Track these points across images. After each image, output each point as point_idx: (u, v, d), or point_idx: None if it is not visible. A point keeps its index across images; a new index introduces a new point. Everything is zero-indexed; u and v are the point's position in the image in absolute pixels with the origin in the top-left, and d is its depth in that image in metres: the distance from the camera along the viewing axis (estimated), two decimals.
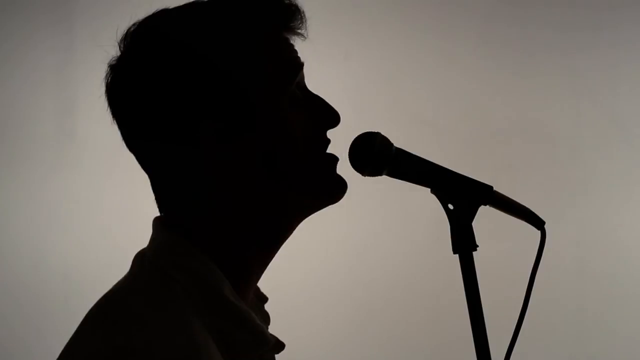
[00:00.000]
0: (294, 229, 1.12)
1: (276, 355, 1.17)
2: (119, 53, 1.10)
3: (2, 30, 2.96)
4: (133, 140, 1.11)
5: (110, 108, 1.11)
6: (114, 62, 1.10)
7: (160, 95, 1.06)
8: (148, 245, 1.12)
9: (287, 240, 1.13)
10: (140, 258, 1.10)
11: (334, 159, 1.13)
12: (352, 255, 2.95)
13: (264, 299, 1.21)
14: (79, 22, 2.97)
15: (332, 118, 1.12)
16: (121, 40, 1.10)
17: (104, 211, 2.95)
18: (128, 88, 1.08)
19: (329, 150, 1.13)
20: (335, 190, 1.12)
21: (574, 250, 2.88)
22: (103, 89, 1.13)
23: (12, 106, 2.98)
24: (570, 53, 2.93)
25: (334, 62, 2.79)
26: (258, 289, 1.20)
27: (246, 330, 1.06)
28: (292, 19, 1.11)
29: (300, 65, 1.12)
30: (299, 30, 1.13)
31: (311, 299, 2.91)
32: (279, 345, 1.12)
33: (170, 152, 1.07)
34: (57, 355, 1.02)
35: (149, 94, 1.06)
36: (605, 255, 2.92)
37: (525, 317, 1.18)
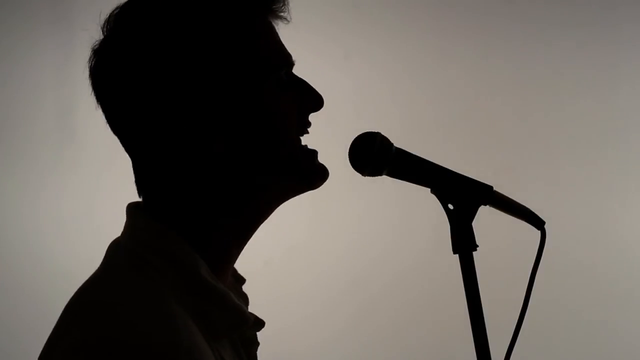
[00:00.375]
0: (271, 212, 1.12)
1: None
2: (101, 37, 1.10)
3: (2, 29, 2.96)
4: (117, 123, 1.11)
5: (95, 92, 1.12)
6: (97, 46, 1.10)
7: (144, 79, 1.06)
8: (122, 232, 1.12)
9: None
10: (115, 245, 1.10)
11: (314, 153, 1.12)
12: (352, 255, 2.95)
13: (242, 280, 1.21)
14: (78, 21, 2.96)
15: (315, 102, 1.12)
16: (104, 24, 1.10)
17: (104, 211, 2.95)
18: (112, 72, 1.08)
19: (310, 143, 1.13)
20: (314, 175, 1.12)
21: (574, 250, 2.88)
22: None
23: (12, 105, 2.98)
24: (570, 53, 2.92)
25: (334, 62, 2.79)
26: (235, 270, 1.20)
27: (225, 309, 1.05)
28: (275, 1, 1.12)
29: (288, 55, 1.12)
30: (282, 14, 1.13)
31: (311, 298, 2.90)
32: (259, 323, 1.13)
33: (152, 136, 1.07)
34: None
35: (132, 78, 1.06)
36: (606, 255, 2.92)
37: (525, 317, 1.18)
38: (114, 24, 1.09)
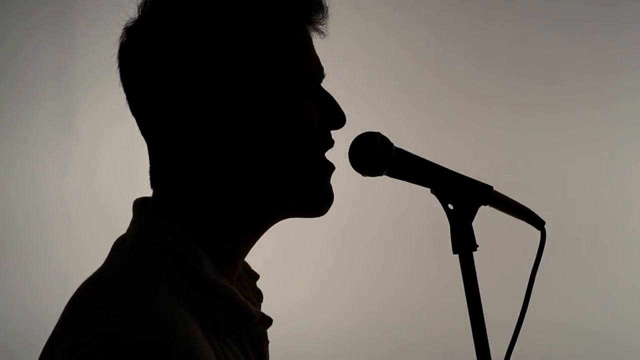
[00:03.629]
0: (270, 225, 1.11)
1: None
2: (137, 15, 1.08)
3: (2, 29, 2.96)
4: (139, 106, 1.08)
5: (120, 69, 1.08)
6: (130, 24, 1.08)
7: (178, 64, 1.04)
8: (128, 229, 1.10)
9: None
10: (121, 242, 1.09)
11: (331, 169, 1.11)
12: (352, 254, 2.95)
13: (255, 276, 1.20)
14: (78, 21, 2.96)
15: (338, 120, 1.11)
16: (141, 3, 1.07)
17: (104, 211, 2.95)
18: (145, 52, 1.05)
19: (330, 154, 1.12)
20: (322, 201, 1.10)
21: (574, 251, 2.88)
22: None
23: (12, 105, 2.98)
24: (570, 53, 2.93)
25: (334, 62, 2.79)
26: (248, 266, 1.19)
27: (229, 307, 1.04)
28: (316, 11, 1.10)
29: (321, 67, 1.11)
30: (320, 26, 1.12)
31: (311, 298, 2.91)
32: (266, 320, 1.11)
33: (175, 123, 1.05)
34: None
35: (166, 60, 1.04)
36: (606, 255, 2.92)
37: (525, 317, 1.18)
38: (154, 4, 1.06)
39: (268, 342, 1.15)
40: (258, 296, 1.19)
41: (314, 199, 1.10)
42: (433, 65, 2.95)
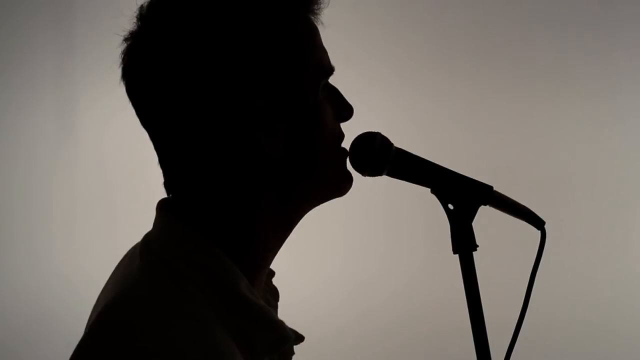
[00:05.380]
0: (303, 216, 1.11)
1: None
2: (136, 23, 1.04)
3: (2, 29, 2.96)
4: (150, 118, 1.04)
5: (126, 80, 1.04)
6: (133, 29, 1.03)
7: (190, 74, 1.00)
8: (153, 233, 1.06)
9: (286, 242, 1.12)
10: (148, 250, 1.04)
11: (346, 153, 1.13)
12: (352, 254, 2.95)
13: (271, 273, 1.19)
14: (79, 22, 2.96)
15: (348, 112, 1.12)
16: (140, 10, 1.03)
17: (104, 210, 2.95)
18: (150, 59, 1.01)
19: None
20: (346, 183, 1.12)
21: (574, 251, 2.88)
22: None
23: (12, 105, 2.98)
24: (570, 53, 2.93)
25: (334, 64, 2.79)
26: None
27: (268, 328, 1.02)
28: (317, 1, 1.09)
29: (330, 62, 1.11)
30: (319, 16, 1.11)
31: (311, 298, 2.91)
32: (299, 338, 1.11)
33: (190, 134, 1.02)
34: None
35: (175, 71, 1.00)
36: (606, 255, 2.92)
37: (525, 317, 1.18)
38: (156, 13, 1.02)
39: (294, 353, 1.15)
40: (274, 295, 1.19)
41: (340, 183, 1.11)
42: (433, 63, 2.95)
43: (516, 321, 1.17)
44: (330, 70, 1.10)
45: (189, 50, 1.00)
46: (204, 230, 1.03)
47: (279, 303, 1.21)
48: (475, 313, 1.13)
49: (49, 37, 2.97)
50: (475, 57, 2.94)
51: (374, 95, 2.91)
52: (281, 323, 1.05)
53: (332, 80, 1.13)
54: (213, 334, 0.95)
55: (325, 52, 1.10)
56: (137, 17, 1.04)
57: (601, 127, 2.93)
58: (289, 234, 1.10)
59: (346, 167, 1.12)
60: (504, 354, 1.19)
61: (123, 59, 1.04)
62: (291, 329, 1.08)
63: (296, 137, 1.04)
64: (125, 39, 1.04)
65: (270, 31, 1.02)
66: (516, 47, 2.94)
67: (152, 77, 1.02)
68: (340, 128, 1.12)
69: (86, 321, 1.08)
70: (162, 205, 1.07)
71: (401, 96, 2.95)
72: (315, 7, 1.09)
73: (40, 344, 2.89)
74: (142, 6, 1.04)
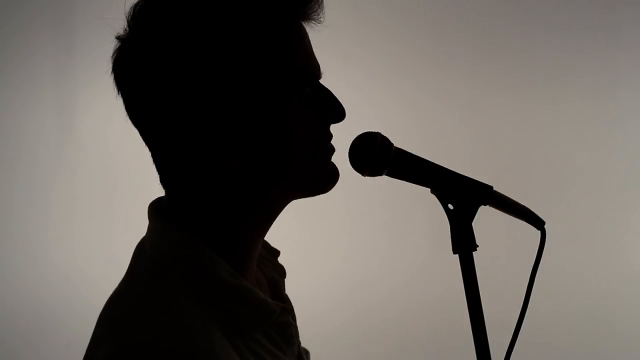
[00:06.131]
0: (284, 207, 1.14)
1: None
2: (126, 27, 1.07)
3: (3, 30, 2.96)
4: (137, 117, 1.09)
5: (117, 83, 1.08)
6: (123, 37, 1.07)
7: (170, 77, 1.03)
8: (147, 236, 1.13)
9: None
10: (140, 252, 1.12)
11: (331, 152, 1.13)
12: (352, 254, 2.95)
13: (276, 253, 1.26)
14: (79, 22, 2.97)
15: (338, 115, 1.12)
16: (130, 14, 1.07)
17: (104, 210, 2.95)
18: (136, 66, 1.05)
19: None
20: (327, 181, 1.13)
21: (574, 251, 2.88)
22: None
23: (12, 105, 2.98)
24: (570, 54, 2.93)
25: (334, 63, 2.79)
26: (268, 244, 1.25)
27: (249, 305, 1.08)
28: (310, 6, 1.09)
29: (317, 67, 1.11)
30: (316, 16, 1.10)
31: (312, 295, 2.91)
32: (286, 310, 1.16)
33: (171, 134, 1.06)
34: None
35: (158, 74, 1.04)
36: (606, 254, 2.92)
37: (525, 317, 1.18)
38: (142, 16, 1.06)
39: (294, 325, 1.20)
40: (280, 272, 1.26)
41: (320, 182, 1.12)
42: (434, 63, 2.95)
43: (516, 321, 1.17)
44: (314, 76, 1.09)
45: (171, 55, 1.03)
46: (187, 226, 1.09)
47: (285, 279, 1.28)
48: (475, 313, 1.13)
49: (49, 36, 2.97)
50: (476, 57, 2.94)
51: (374, 94, 2.92)
52: (264, 300, 1.09)
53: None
54: (189, 317, 1.02)
55: (308, 57, 1.09)
56: (127, 19, 1.08)
57: (601, 127, 2.93)
58: (272, 222, 1.14)
59: (329, 166, 1.12)
60: (504, 354, 1.19)
61: (113, 60, 1.09)
62: (276, 303, 1.12)
63: (259, 148, 1.06)
64: (117, 38, 1.08)
65: (244, 42, 1.04)
66: (516, 47, 2.94)
67: (138, 84, 1.06)
68: (328, 129, 1.11)
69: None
70: (152, 206, 1.14)
71: (401, 95, 2.95)
72: (308, 10, 1.09)
73: (40, 343, 2.89)
74: (133, 8, 1.07)
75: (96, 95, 2.86)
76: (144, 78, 1.05)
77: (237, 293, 1.07)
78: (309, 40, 1.11)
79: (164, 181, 1.12)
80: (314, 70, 1.10)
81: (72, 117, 2.97)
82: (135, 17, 1.07)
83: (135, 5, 1.07)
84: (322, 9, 1.10)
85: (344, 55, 2.85)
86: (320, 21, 1.11)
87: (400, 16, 2.96)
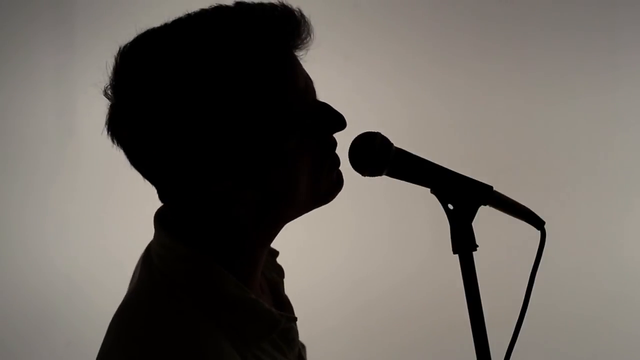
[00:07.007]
0: (289, 221, 1.15)
1: None
2: (116, 69, 1.08)
3: (3, 30, 2.96)
4: (142, 166, 1.10)
5: (114, 139, 1.10)
6: (113, 83, 1.08)
7: (166, 123, 1.04)
8: (154, 246, 1.14)
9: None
10: (148, 261, 1.13)
11: (336, 165, 1.14)
12: (352, 254, 2.95)
13: (275, 253, 1.29)
14: (79, 22, 2.96)
15: (339, 126, 1.12)
16: (117, 60, 1.07)
17: (105, 210, 2.95)
18: (131, 116, 1.06)
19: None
20: (331, 193, 1.15)
21: (573, 250, 2.88)
22: (102, 93, 1.12)
23: (13, 106, 2.98)
24: (570, 54, 2.93)
25: (334, 63, 2.79)
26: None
27: (256, 318, 1.10)
28: (303, 35, 1.10)
29: (310, 88, 1.11)
30: (306, 42, 1.11)
31: (311, 298, 2.91)
32: (290, 319, 1.18)
33: (173, 176, 1.07)
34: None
35: (153, 120, 1.04)
36: (605, 255, 2.92)
37: (525, 317, 1.18)
38: (130, 60, 1.06)
39: (295, 328, 1.22)
40: (279, 273, 1.30)
41: (324, 195, 1.14)
42: (434, 62, 2.95)
43: (516, 321, 1.17)
44: (306, 111, 1.09)
45: (166, 106, 1.03)
46: (197, 243, 1.10)
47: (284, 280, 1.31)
48: (475, 313, 1.13)
49: (49, 36, 2.97)
50: (476, 57, 2.94)
51: (374, 93, 2.91)
52: (269, 311, 1.12)
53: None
54: (200, 334, 1.04)
55: (302, 90, 1.09)
56: (113, 69, 1.08)
57: (601, 127, 2.93)
58: (277, 234, 1.16)
59: (333, 178, 1.13)
60: (504, 354, 1.19)
61: (107, 120, 1.10)
62: (280, 314, 1.14)
63: (266, 184, 1.08)
64: (106, 96, 1.09)
65: (239, 87, 1.04)
66: (516, 47, 2.94)
67: (133, 130, 1.07)
68: (330, 141, 1.13)
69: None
70: (158, 217, 1.15)
71: (401, 95, 2.94)
72: (301, 40, 1.10)
73: (39, 343, 2.89)
74: (118, 55, 1.08)
75: (96, 95, 2.85)
76: (141, 133, 1.06)
77: (244, 307, 1.09)
78: (301, 69, 1.11)
79: (164, 199, 1.13)
80: (306, 92, 1.10)
81: (72, 117, 2.97)
82: (123, 71, 1.06)
83: (122, 53, 1.07)
84: (311, 35, 1.11)
85: (344, 54, 2.84)
86: (309, 48, 1.12)
87: (400, 15, 2.96)
